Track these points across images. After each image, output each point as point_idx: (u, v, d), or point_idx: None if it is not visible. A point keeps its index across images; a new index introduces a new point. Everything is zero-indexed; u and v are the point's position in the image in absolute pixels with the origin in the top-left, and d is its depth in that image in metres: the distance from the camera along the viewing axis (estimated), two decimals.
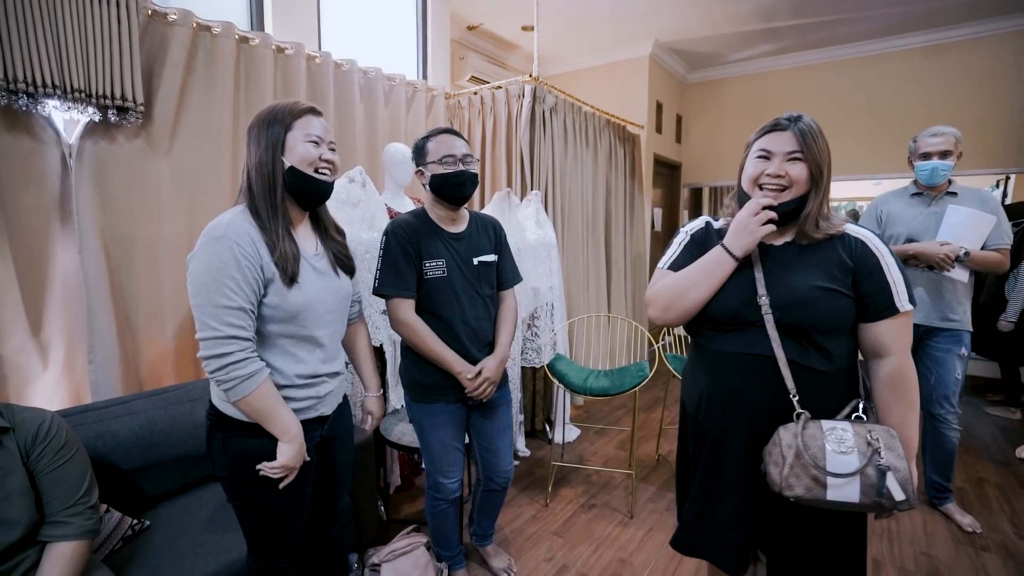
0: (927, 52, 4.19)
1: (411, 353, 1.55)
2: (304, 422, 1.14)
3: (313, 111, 1.13)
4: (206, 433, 1.13)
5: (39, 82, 1.46)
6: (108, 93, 1.61)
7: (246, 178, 1.10)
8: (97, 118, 1.63)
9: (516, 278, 1.64)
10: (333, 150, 1.15)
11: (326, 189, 1.15)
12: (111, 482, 1.42)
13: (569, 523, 2.16)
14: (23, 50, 1.43)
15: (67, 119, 1.61)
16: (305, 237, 1.17)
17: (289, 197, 1.10)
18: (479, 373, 1.49)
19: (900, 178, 4.26)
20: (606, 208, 3.82)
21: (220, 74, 1.92)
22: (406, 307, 1.46)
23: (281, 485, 1.09)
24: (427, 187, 1.50)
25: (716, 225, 1.20)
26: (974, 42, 4.02)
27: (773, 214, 1.03)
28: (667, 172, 5.23)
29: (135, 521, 1.41)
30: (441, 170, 1.45)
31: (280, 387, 1.09)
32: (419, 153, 1.51)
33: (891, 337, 1.00)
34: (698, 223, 1.23)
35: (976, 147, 3.84)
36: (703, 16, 3.84)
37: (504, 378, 1.64)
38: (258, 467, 1.07)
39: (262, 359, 1.07)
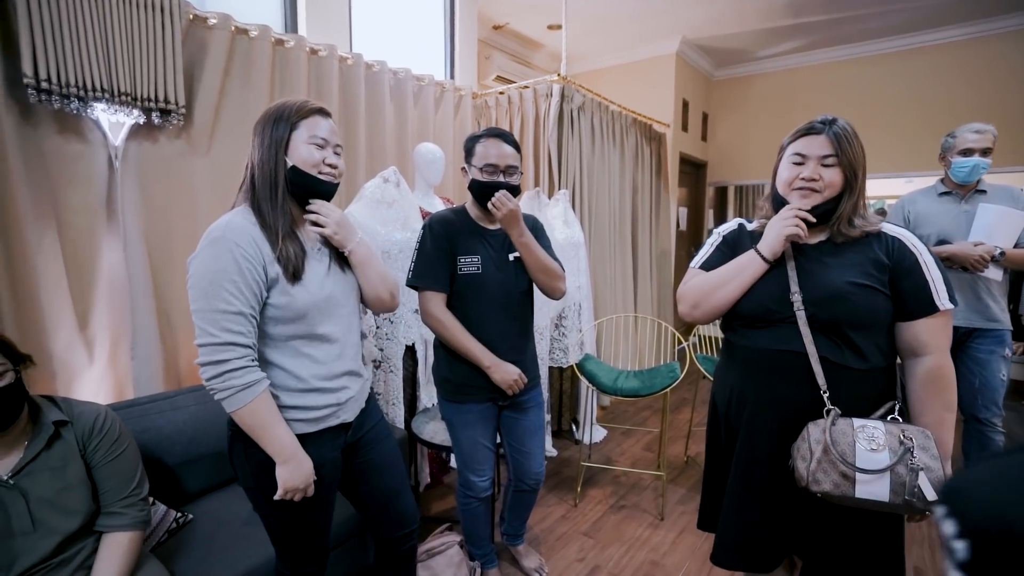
0: (962, 46, 4.04)
1: (442, 350, 1.55)
2: (325, 431, 1.11)
3: (321, 112, 1.10)
4: (228, 444, 1.11)
5: (89, 86, 1.51)
6: (152, 96, 1.65)
7: (249, 175, 1.07)
8: (142, 120, 1.67)
9: (559, 263, 1.59)
10: (339, 154, 1.12)
11: (329, 190, 1.12)
12: (155, 476, 1.46)
13: (599, 524, 2.14)
14: (75, 56, 1.47)
15: (113, 121, 1.66)
16: (310, 233, 1.13)
17: (291, 196, 1.07)
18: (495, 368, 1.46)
19: (931, 175, 4.15)
20: (632, 207, 3.79)
21: (256, 76, 1.96)
22: (437, 301, 1.47)
23: (296, 498, 1.05)
24: (468, 187, 1.50)
25: (749, 227, 1.21)
26: (1011, 35, 3.87)
27: (805, 216, 1.04)
28: (692, 171, 5.16)
29: (179, 514, 1.45)
30: (481, 177, 1.45)
31: (300, 392, 1.07)
32: (468, 152, 1.50)
33: (930, 335, 0.99)
34: (731, 225, 1.25)
35: (1009, 144, 3.70)
36: (732, 11, 3.78)
37: (536, 379, 1.63)
38: (274, 497, 1.04)
39: (277, 364, 1.05)
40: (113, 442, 1.15)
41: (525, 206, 2.52)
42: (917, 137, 4.17)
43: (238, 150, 1.92)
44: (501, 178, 1.44)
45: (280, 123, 1.05)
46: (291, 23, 2.34)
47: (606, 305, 3.29)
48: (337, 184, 1.14)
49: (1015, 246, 1.90)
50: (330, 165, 1.09)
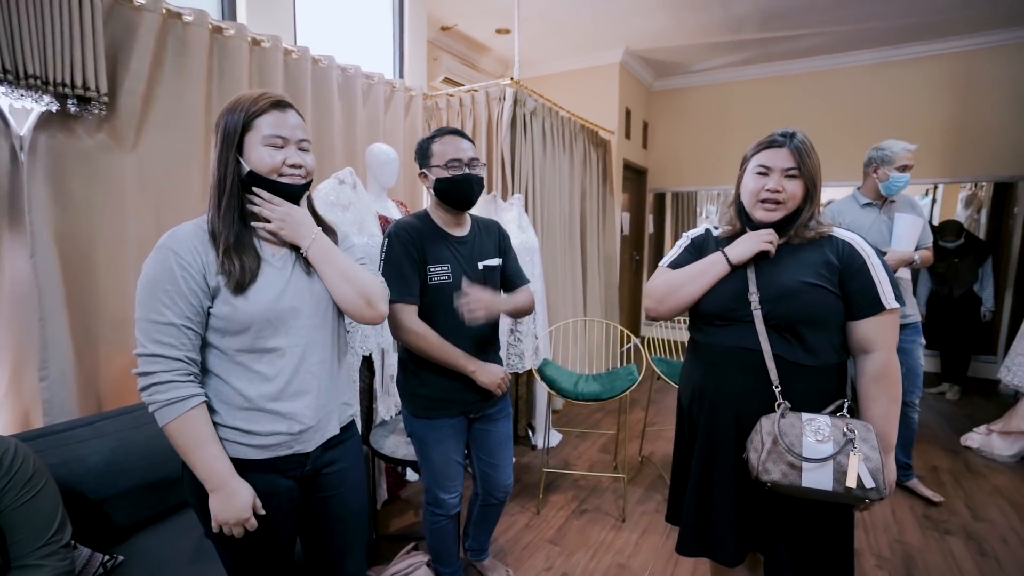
0: (873, 69, 4.49)
1: (411, 364, 1.48)
2: (275, 459, 1.00)
3: (279, 105, 0.98)
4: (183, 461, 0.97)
5: None
6: (68, 81, 1.45)
7: (211, 177, 0.98)
8: (54, 108, 1.47)
9: (524, 278, 1.60)
10: (305, 149, 1.01)
11: (294, 193, 1.01)
12: (78, 514, 1.27)
13: (563, 530, 2.13)
14: None
15: (18, 107, 1.44)
16: (267, 237, 1.02)
17: (246, 201, 0.98)
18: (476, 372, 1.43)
19: (845, 185, 4.55)
20: (581, 212, 3.84)
21: (192, 65, 1.78)
22: (410, 313, 1.40)
23: (235, 533, 0.94)
24: (431, 190, 1.44)
25: (715, 233, 1.27)
26: (914, 61, 4.34)
27: (774, 243, 1.12)
28: (635, 177, 5.33)
29: (106, 557, 1.27)
30: (446, 174, 1.40)
31: (244, 411, 0.96)
32: (423, 155, 1.45)
33: (877, 333, 1.06)
34: (699, 230, 1.32)
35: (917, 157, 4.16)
36: (674, 25, 3.94)
37: (504, 391, 1.59)
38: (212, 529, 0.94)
39: (223, 378, 0.96)
40: (25, 482, 0.99)
41: (482, 211, 2.47)
42: (836, 149, 4.56)
43: (171, 146, 1.74)
44: (467, 171, 1.40)
45: (232, 117, 0.95)
46: (229, 10, 2.16)
47: (557, 309, 3.31)
48: (305, 185, 1.03)
49: (915, 248, 2.18)
50: (293, 165, 0.98)
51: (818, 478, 0.97)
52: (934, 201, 4.59)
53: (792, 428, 1.00)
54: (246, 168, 0.95)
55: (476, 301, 1.35)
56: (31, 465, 1.01)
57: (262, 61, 2.04)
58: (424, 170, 1.45)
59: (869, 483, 0.94)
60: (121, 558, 1.30)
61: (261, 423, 0.97)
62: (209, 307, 0.93)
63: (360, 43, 2.90)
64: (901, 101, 4.40)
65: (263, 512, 0.97)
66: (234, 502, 0.92)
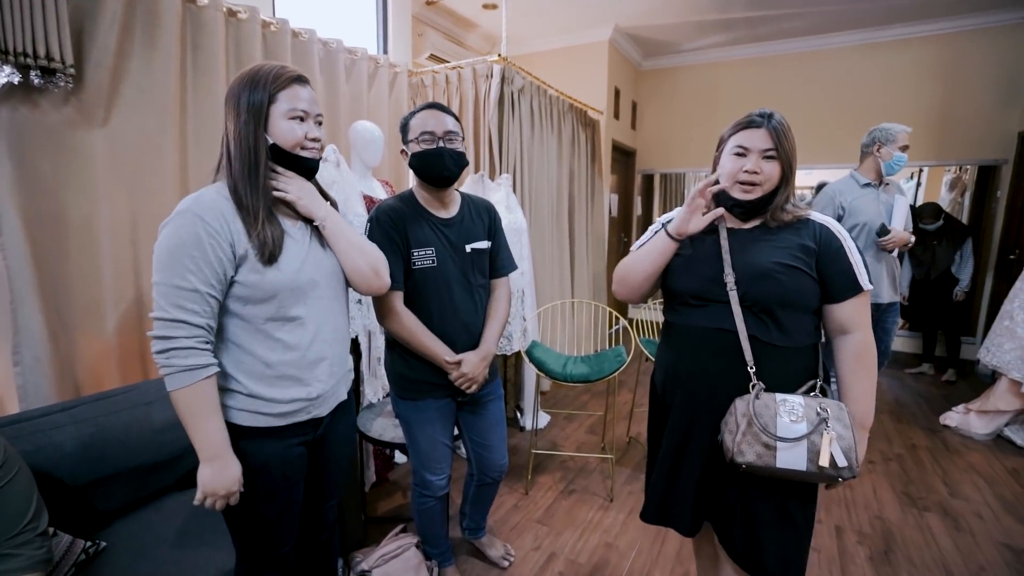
0: (859, 50, 4.46)
1: (397, 347, 1.45)
2: (292, 426, 1.05)
3: (299, 80, 1.02)
4: None
5: None
6: (30, 51, 1.37)
7: (225, 151, 0.99)
8: (16, 80, 1.39)
9: (511, 265, 1.57)
10: (320, 123, 1.06)
11: (313, 167, 1.07)
12: (57, 501, 1.24)
13: (551, 510, 2.15)
14: None
15: None
16: (285, 210, 1.07)
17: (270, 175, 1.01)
18: (459, 364, 1.41)
19: (830, 168, 4.58)
20: (569, 193, 3.81)
21: (163, 36, 1.70)
22: (394, 298, 1.37)
23: (217, 506, 0.97)
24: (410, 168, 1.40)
25: None
26: (901, 43, 4.32)
27: (706, 198, 1.11)
28: (623, 158, 5.29)
29: (88, 543, 1.24)
30: (419, 148, 1.36)
31: (267, 379, 1.00)
32: (403, 131, 1.41)
33: (856, 314, 1.07)
34: (671, 213, 1.28)
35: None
36: (665, 1, 3.87)
37: (494, 371, 1.58)
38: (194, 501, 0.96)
39: (245, 348, 0.99)
40: None
41: (469, 191, 2.43)
42: (824, 131, 4.56)
43: (143, 122, 1.67)
44: (441, 144, 1.36)
45: (256, 93, 0.97)
46: None
47: (545, 290, 3.29)
48: (320, 159, 1.06)
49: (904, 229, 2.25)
50: (313, 139, 1.02)
51: (792, 458, 0.97)
52: (919, 184, 4.62)
53: (766, 409, 1.00)
54: (270, 141, 0.98)
55: (472, 371, 1.42)
56: (2, 453, 0.98)
57: (239, 34, 1.95)
58: (404, 146, 1.41)
59: (842, 462, 0.95)
60: (104, 544, 1.28)
61: (282, 389, 1.02)
62: (232, 276, 0.95)
63: (342, 17, 2.80)
64: (888, 83, 4.39)
65: (242, 490, 0.99)
66: (227, 474, 0.95)
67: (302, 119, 1.00)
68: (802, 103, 4.64)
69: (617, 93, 4.77)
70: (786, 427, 0.98)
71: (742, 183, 1.09)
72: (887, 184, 2.30)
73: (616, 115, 4.80)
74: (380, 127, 2.54)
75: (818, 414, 0.98)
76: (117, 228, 1.64)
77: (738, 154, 1.10)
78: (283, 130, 0.98)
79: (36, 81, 1.42)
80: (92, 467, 1.33)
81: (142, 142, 1.68)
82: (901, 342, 4.62)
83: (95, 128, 1.58)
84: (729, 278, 1.08)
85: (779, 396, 1.02)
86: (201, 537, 1.30)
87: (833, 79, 4.57)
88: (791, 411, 0.99)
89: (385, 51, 3.00)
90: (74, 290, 1.57)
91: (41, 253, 1.49)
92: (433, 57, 3.96)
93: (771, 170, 1.07)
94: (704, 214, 1.11)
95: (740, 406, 1.03)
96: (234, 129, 0.97)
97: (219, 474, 0.94)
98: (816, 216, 1.12)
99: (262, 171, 0.98)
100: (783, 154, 1.07)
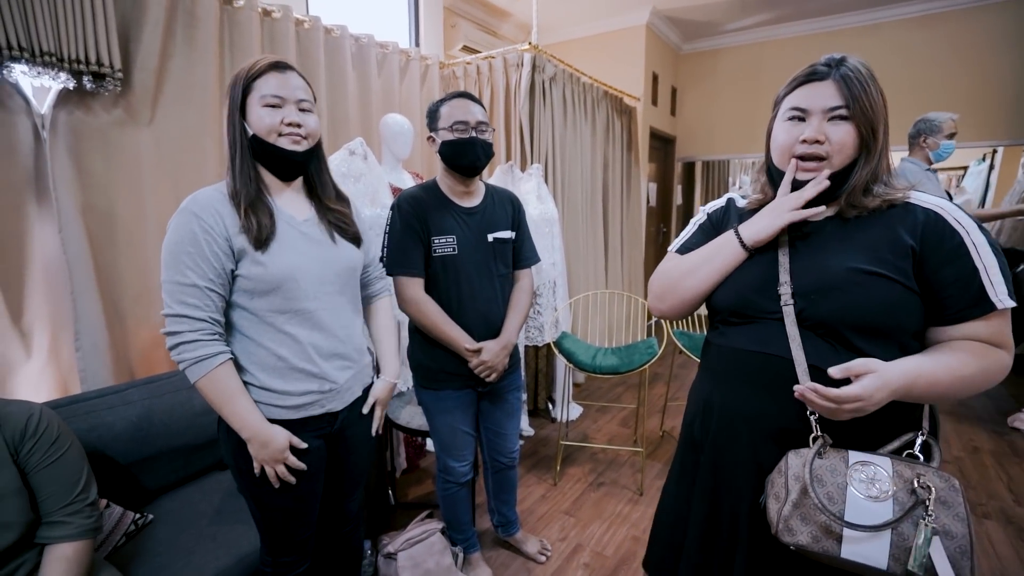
0: (921, 22, 4.12)
1: (419, 335, 1.48)
2: (307, 419, 1.07)
3: (277, 66, 1.01)
4: (218, 419, 1.05)
5: (3, 44, 1.32)
6: (82, 57, 1.46)
7: (226, 147, 1.03)
8: (71, 85, 1.49)
9: (534, 257, 1.56)
10: (305, 109, 1.02)
11: (293, 157, 1.02)
12: (108, 476, 1.35)
13: (579, 502, 2.14)
14: None
15: (36, 86, 1.48)
16: (294, 203, 1.08)
17: (262, 166, 1.04)
18: (478, 352, 1.41)
19: (894, 153, 4.27)
20: (604, 182, 3.74)
21: (202, 38, 1.78)
22: (413, 286, 1.39)
23: (276, 484, 1.04)
24: (438, 155, 1.41)
25: (739, 204, 1.00)
26: (968, 11, 3.96)
27: (811, 197, 0.82)
28: (661, 146, 5.14)
29: (137, 515, 1.34)
30: (451, 137, 1.36)
31: (279, 371, 1.02)
32: (432, 117, 1.42)
33: (989, 339, 0.74)
34: (720, 201, 1.04)
35: (967, 120, 3.83)
36: None
37: (516, 362, 1.58)
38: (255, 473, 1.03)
39: (255, 340, 1.01)
40: (51, 444, 1.03)
41: (498, 182, 2.43)
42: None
43: (185, 120, 1.76)
44: (472, 134, 1.36)
45: (235, 86, 1.00)
46: None
47: (578, 282, 3.26)
48: (306, 151, 1.04)
49: None
50: (291, 124, 1.00)
51: (867, 551, 0.67)
52: (991, 167, 4.25)
53: (832, 474, 0.72)
54: (249, 132, 0.99)
55: (492, 359, 1.41)
56: (55, 428, 1.06)
57: (273, 32, 2.02)
58: (432, 133, 1.42)
59: (946, 572, 0.63)
60: (151, 516, 1.37)
61: (294, 382, 1.04)
62: (233, 269, 0.97)
63: (374, 12, 2.84)
64: (951, 58, 4.03)
65: (304, 445, 1.04)
66: (271, 445, 1.00)
67: (278, 106, 0.99)
68: None
69: (655, 78, 4.62)
70: (860, 506, 0.69)
71: (800, 157, 0.82)
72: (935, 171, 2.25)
73: (654, 101, 4.66)
74: (412, 120, 2.58)
75: (913, 491, 0.68)
76: (162, 220, 1.73)
77: (794, 118, 0.82)
78: (258, 117, 0.98)
79: (88, 86, 1.51)
80: (140, 446, 1.42)
81: (185, 139, 1.77)
82: None
83: (142, 127, 1.67)
84: (784, 288, 0.80)
85: (854, 456, 0.73)
86: (237, 515, 1.37)
87: (890, 55, 4.24)
88: (870, 480, 0.70)
89: (417, 44, 3.02)
90: (125, 281, 1.67)
91: (97, 245, 1.60)
92: (467, 48, 3.96)
93: (842, 137, 0.78)
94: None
95: (794, 464, 0.75)
96: (227, 124, 1.01)
97: (264, 448, 1.00)
98: (921, 198, 0.79)
99: (243, 159, 1.00)
100: (859, 112, 0.77)
